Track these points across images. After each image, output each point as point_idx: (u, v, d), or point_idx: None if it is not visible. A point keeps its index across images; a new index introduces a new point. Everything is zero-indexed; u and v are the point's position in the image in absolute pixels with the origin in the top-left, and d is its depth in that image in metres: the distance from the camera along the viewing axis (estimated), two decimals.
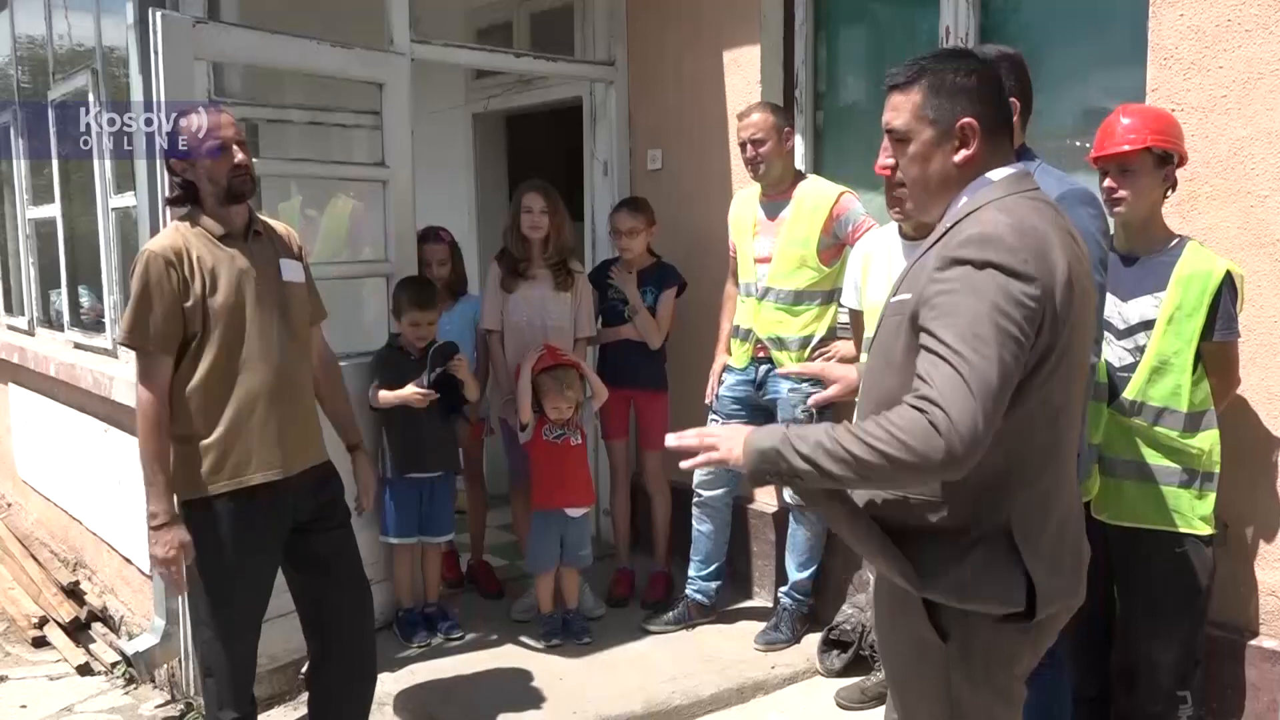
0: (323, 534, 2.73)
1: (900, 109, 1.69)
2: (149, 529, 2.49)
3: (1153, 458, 2.53)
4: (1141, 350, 2.53)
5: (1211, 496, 2.53)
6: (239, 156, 2.54)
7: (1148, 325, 2.53)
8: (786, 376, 3.42)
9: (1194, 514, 2.51)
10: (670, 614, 3.75)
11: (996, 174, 1.69)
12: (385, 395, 3.52)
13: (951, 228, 1.64)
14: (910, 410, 1.46)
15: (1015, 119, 2.24)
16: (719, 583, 3.80)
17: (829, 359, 3.41)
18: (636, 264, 3.96)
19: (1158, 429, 2.51)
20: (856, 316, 3.26)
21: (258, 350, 2.56)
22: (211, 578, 2.57)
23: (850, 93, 3.97)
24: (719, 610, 3.83)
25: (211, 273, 2.52)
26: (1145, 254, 2.57)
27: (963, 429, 1.42)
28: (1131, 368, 2.54)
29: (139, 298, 2.47)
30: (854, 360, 3.16)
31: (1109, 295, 2.51)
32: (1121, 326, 2.57)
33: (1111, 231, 2.52)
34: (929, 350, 1.51)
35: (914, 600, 1.66)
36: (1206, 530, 2.51)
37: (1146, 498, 2.53)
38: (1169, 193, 2.60)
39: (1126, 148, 2.50)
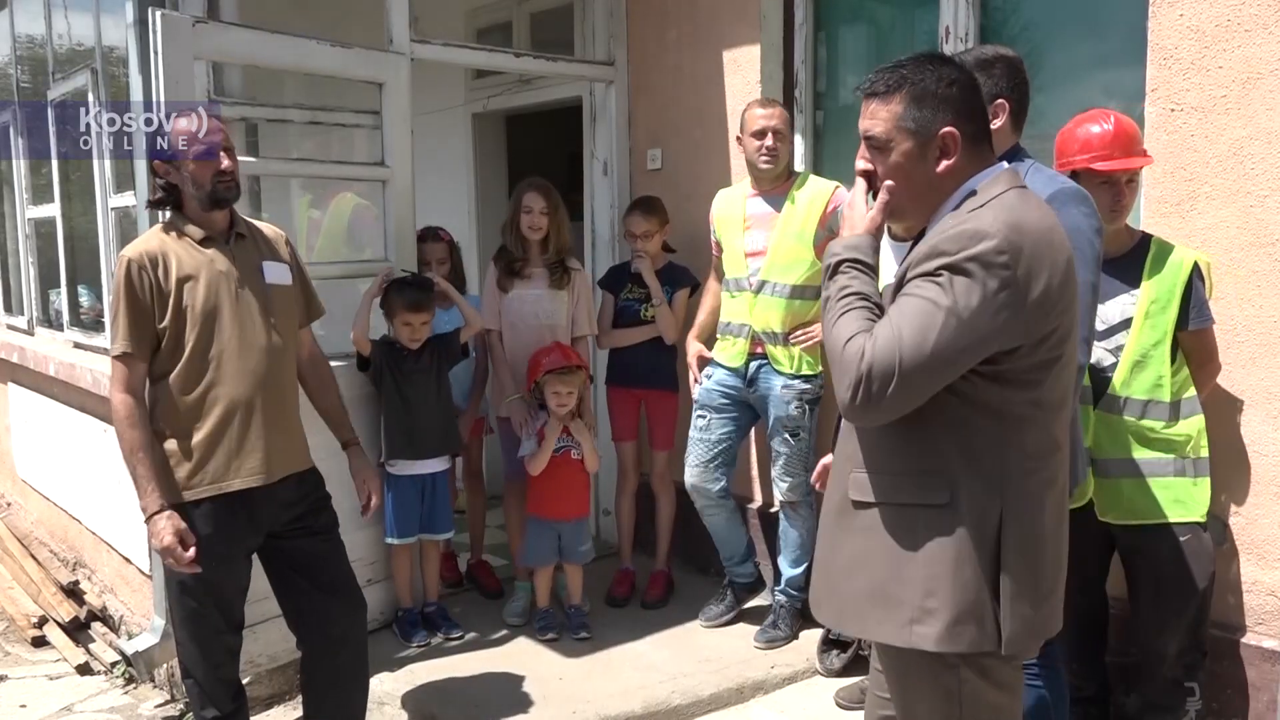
0: (302, 539, 2.71)
1: (878, 117, 1.69)
2: (145, 523, 2.47)
3: (1142, 452, 2.56)
4: (1122, 349, 2.57)
5: (1206, 482, 2.56)
6: (225, 163, 2.53)
7: (1127, 324, 2.56)
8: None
9: (1191, 500, 2.54)
10: (719, 606, 3.79)
11: (988, 174, 1.70)
12: (357, 334, 3.52)
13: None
14: (862, 345, 1.58)
15: (1006, 119, 2.24)
16: (752, 562, 3.84)
17: (812, 337, 3.45)
18: (652, 263, 3.96)
19: (1144, 422, 2.55)
20: None
21: (236, 354, 2.55)
22: (186, 582, 2.56)
23: (850, 93, 3.97)
24: (759, 589, 3.86)
25: (189, 277, 2.51)
26: (1117, 254, 2.58)
27: (875, 387, 1.56)
28: (1113, 367, 2.58)
29: (114, 303, 2.49)
30: None
31: None
32: (1102, 328, 2.59)
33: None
34: (893, 313, 1.61)
35: None
36: (1203, 517, 2.54)
37: (1143, 493, 2.56)
38: None
39: (1135, 164, 2.53)
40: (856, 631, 1.77)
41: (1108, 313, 2.58)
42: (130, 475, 2.48)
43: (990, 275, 1.53)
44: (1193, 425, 2.56)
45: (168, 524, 2.44)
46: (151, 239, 2.55)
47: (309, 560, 2.72)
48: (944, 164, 1.67)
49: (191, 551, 2.46)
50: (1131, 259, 2.59)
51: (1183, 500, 2.54)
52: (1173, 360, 2.55)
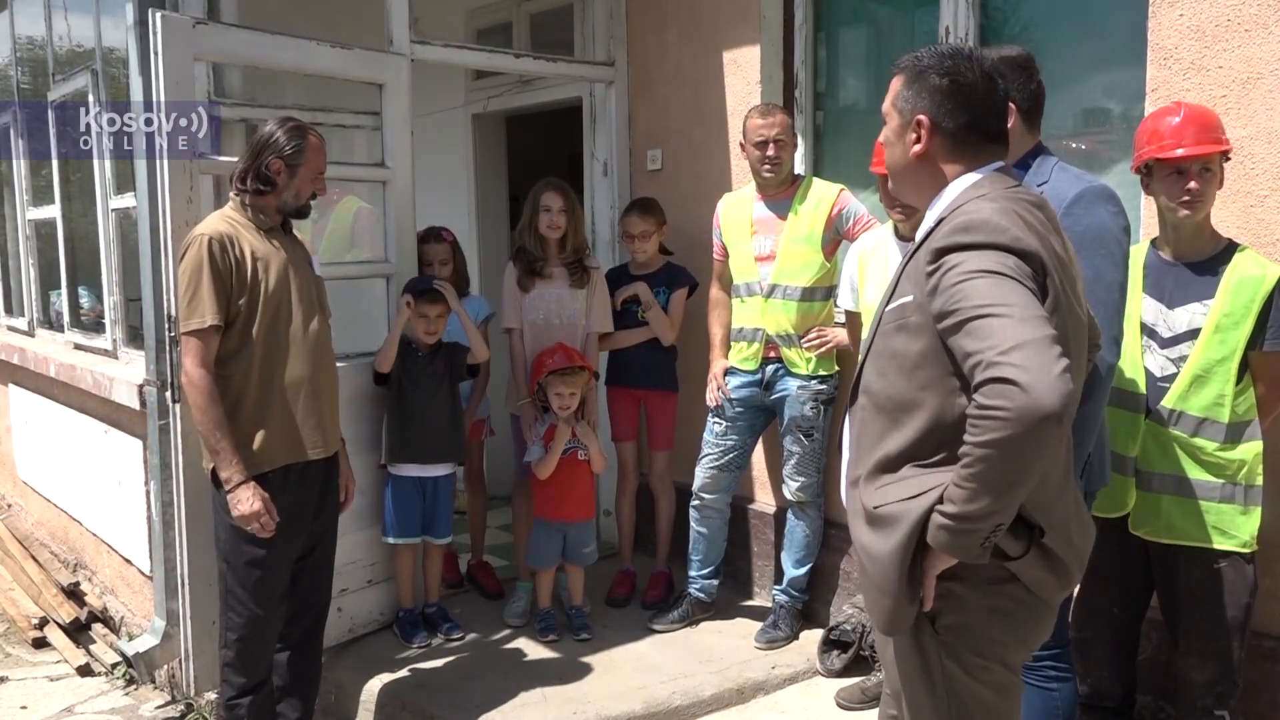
0: (319, 516, 2.89)
1: (888, 91, 1.79)
2: (225, 494, 2.61)
3: (1192, 471, 2.43)
4: (1185, 360, 2.43)
5: (1257, 512, 2.42)
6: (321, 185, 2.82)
7: (1194, 334, 2.42)
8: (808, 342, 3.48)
9: (1237, 530, 2.41)
10: (674, 613, 3.77)
11: (976, 174, 1.70)
12: (385, 355, 3.50)
13: (936, 226, 1.66)
14: (981, 389, 1.43)
15: (1016, 121, 2.24)
16: (718, 580, 3.84)
17: (825, 342, 3.46)
18: (649, 265, 3.97)
19: (1196, 440, 2.42)
20: (853, 318, 3.26)
21: (301, 336, 2.74)
22: (258, 550, 2.69)
23: (850, 93, 3.97)
24: (719, 607, 3.85)
25: (263, 261, 2.69)
26: (1195, 258, 2.46)
27: (1034, 367, 1.39)
28: (1172, 378, 2.44)
29: (194, 279, 2.59)
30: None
31: (1154, 302, 2.47)
32: (1167, 335, 2.46)
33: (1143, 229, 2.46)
34: (965, 327, 1.49)
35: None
36: (1249, 548, 2.42)
37: (1185, 513, 2.44)
38: None
39: (1204, 150, 2.38)
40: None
41: (1175, 320, 2.45)
42: (210, 448, 2.62)
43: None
44: (1249, 451, 2.41)
45: (254, 493, 2.59)
46: (220, 222, 2.69)
47: (318, 535, 2.91)
48: (915, 149, 1.73)
49: (226, 548, 2.67)
50: (1210, 266, 2.43)
51: (1223, 528, 2.40)
52: (1238, 380, 2.39)
